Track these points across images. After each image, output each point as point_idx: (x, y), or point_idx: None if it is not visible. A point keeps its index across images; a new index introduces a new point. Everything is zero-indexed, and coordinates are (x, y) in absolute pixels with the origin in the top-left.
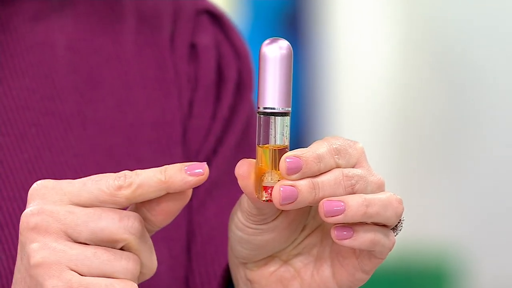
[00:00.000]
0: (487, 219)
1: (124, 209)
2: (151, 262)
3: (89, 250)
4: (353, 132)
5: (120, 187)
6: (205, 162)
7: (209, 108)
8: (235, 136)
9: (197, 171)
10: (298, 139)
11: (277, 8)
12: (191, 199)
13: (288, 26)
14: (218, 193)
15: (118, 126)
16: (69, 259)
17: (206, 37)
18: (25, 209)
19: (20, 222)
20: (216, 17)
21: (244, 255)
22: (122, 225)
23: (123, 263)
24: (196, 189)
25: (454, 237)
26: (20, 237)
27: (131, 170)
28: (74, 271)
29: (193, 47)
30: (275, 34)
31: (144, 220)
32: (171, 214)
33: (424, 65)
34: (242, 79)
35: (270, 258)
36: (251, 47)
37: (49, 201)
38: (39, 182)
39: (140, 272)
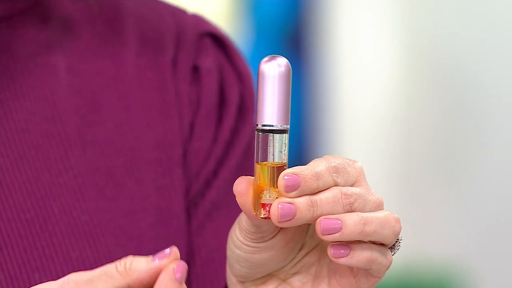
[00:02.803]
0: (491, 235)
1: None
2: None
3: None
4: (355, 148)
5: None
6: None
7: (210, 130)
8: (236, 158)
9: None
10: (299, 156)
11: (279, 26)
12: (190, 221)
13: (291, 44)
14: (218, 215)
15: (118, 148)
16: None
17: (209, 60)
18: (23, 230)
19: None
20: (218, 40)
21: (242, 273)
22: None
23: None
24: (195, 211)
25: (458, 253)
26: None
27: (131, 191)
28: None
29: (195, 69)
30: (278, 52)
31: None
32: None
33: (427, 81)
34: (244, 102)
35: (268, 277)
36: (253, 66)
37: None
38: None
39: None
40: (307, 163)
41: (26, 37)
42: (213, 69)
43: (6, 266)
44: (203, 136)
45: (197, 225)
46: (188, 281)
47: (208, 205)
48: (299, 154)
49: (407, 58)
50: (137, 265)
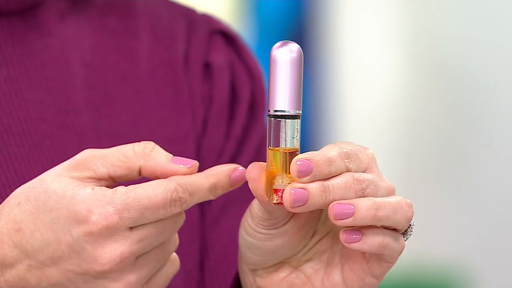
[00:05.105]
0: (492, 236)
1: None
2: None
3: (153, 261)
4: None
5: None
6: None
7: (222, 127)
8: (248, 155)
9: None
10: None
11: (282, 26)
12: (204, 216)
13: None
14: (232, 211)
15: (132, 142)
16: (144, 280)
17: (220, 57)
18: None
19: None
20: (229, 38)
21: (254, 261)
22: (178, 226)
23: (172, 246)
24: (209, 207)
25: (459, 254)
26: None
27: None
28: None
29: (207, 66)
30: None
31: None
32: None
33: (429, 81)
34: (255, 99)
35: (280, 264)
36: None
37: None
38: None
39: None
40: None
41: (40, 30)
42: (225, 67)
43: None
44: (215, 132)
45: (211, 221)
46: (202, 276)
47: (222, 201)
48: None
49: (410, 58)
50: (157, 155)
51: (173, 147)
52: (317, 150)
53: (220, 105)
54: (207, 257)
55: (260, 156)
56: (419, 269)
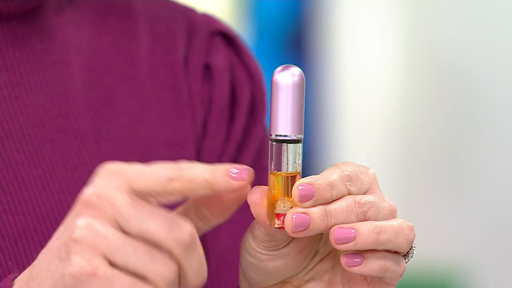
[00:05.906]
0: (492, 236)
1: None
2: (197, 274)
3: (129, 243)
4: (357, 149)
5: (171, 180)
6: (251, 168)
7: (222, 129)
8: (248, 158)
9: (241, 176)
10: (304, 161)
11: (281, 27)
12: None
13: (292, 45)
14: (233, 216)
15: (132, 145)
16: (107, 246)
17: (220, 58)
18: (39, 224)
19: (80, 195)
20: (229, 39)
21: (256, 281)
22: (171, 234)
23: (157, 267)
24: None
25: (459, 254)
26: (74, 208)
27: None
28: (107, 259)
29: (207, 68)
30: (279, 53)
31: (200, 217)
32: (227, 212)
33: (429, 82)
34: (255, 101)
35: (281, 284)
36: None
37: (111, 184)
38: (106, 165)
39: (185, 280)
40: (309, 166)
41: (41, 34)
42: (225, 68)
43: (22, 260)
44: (215, 135)
45: None
46: None
47: None
48: (303, 158)
49: (410, 58)
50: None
51: (173, 150)
52: (318, 174)
53: (220, 107)
54: (208, 262)
55: (260, 159)
56: (419, 269)
